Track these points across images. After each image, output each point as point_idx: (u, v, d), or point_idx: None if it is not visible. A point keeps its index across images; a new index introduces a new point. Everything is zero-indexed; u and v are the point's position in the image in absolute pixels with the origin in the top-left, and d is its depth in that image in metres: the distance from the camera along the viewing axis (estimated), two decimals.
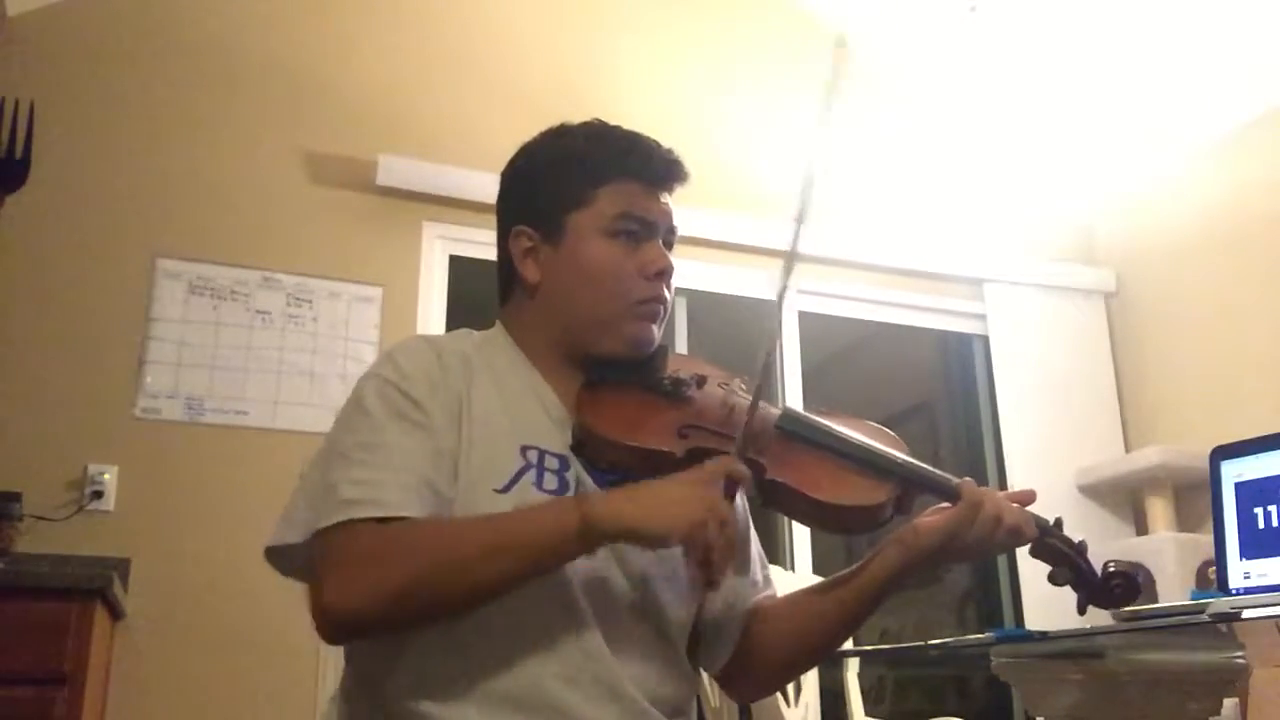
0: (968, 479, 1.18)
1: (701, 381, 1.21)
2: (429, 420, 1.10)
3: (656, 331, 1.22)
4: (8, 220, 2.80)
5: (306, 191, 3.20)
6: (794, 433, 1.19)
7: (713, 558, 1.00)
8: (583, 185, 1.21)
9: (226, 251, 3.06)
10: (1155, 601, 3.10)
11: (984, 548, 1.16)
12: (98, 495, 2.76)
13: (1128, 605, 1.20)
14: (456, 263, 3.32)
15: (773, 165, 3.79)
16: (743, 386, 1.23)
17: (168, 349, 2.94)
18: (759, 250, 3.69)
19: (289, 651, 2.69)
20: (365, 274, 3.18)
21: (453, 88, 3.45)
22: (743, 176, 3.68)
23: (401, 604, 1.00)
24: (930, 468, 1.20)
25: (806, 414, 1.22)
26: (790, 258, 1.18)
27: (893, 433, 1.26)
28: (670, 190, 1.25)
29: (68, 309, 2.88)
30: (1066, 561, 1.19)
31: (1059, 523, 1.21)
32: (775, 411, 1.20)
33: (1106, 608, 1.20)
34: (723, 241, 3.59)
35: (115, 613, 2.56)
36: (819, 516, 1.17)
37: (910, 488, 1.18)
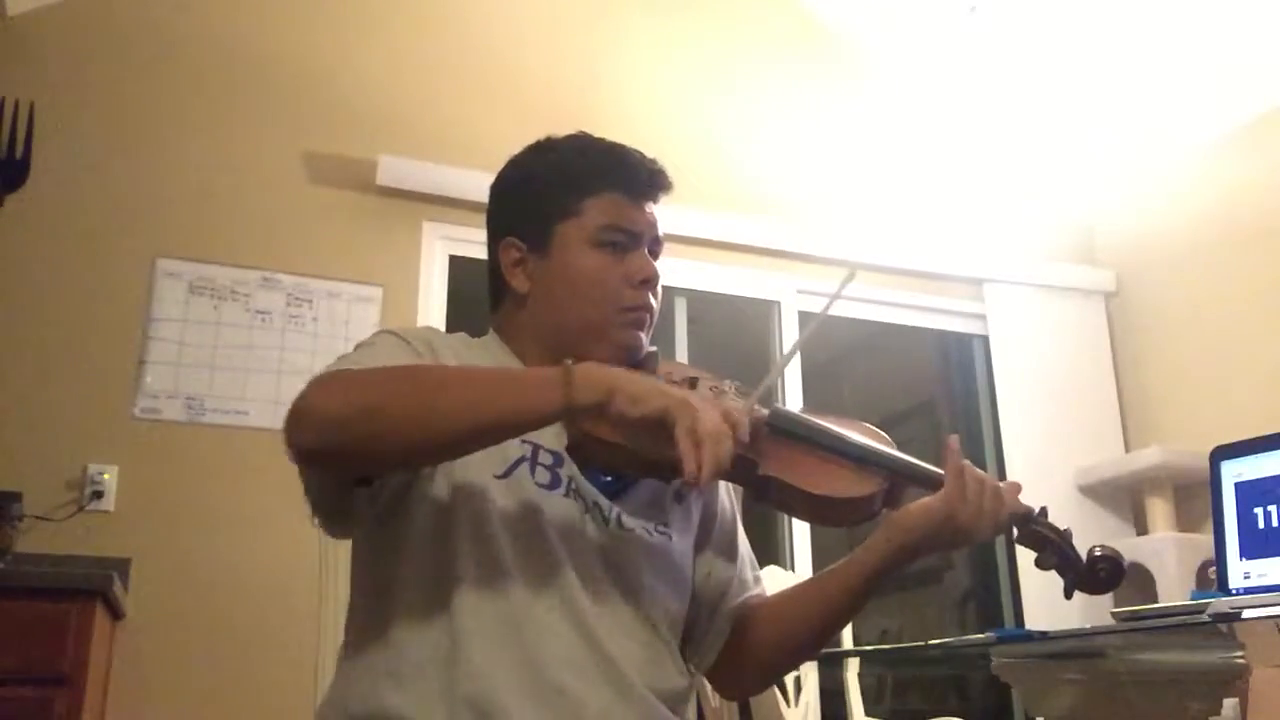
0: (950, 450, 1.20)
1: (693, 383, 1.24)
2: (422, 359, 1.16)
3: (644, 338, 1.25)
4: (8, 220, 2.81)
5: (306, 191, 3.20)
6: (785, 430, 1.21)
7: (701, 442, 0.97)
8: (569, 197, 1.24)
9: (226, 251, 3.06)
10: (1155, 601, 3.11)
11: (975, 522, 1.17)
12: (98, 495, 2.76)
13: (1113, 589, 1.22)
14: (456, 263, 3.32)
15: (772, 165, 3.79)
16: (739, 388, 1.24)
17: (168, 349, 2.94)
18: (758, 250, 3.69)
19: (289, 651, 2.68)
20: (365, 274, 3.18)
21: (453, 88, 3.45)
22: (743, 177, 3.68)
23: (376, 410, 1.00)
24: (918, 461, 1.23)
25: (795, 411, 1.25)
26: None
27: (883, 433, 1.28)
28: (655, 200, 1.28)
29: (68, 309, 2.88)
30: (1052, 546, 1.22)
31: (1044, 511, 1.24)
32: (766, 411, 1.21)
33: (1093, 592, 1.22)
34: (722, 241, 3.59)
35: (115, 613, 2.56)
36: (811, 509, 1.19)
37: (899, 480, 1.21)
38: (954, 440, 1.20)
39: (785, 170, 3.81)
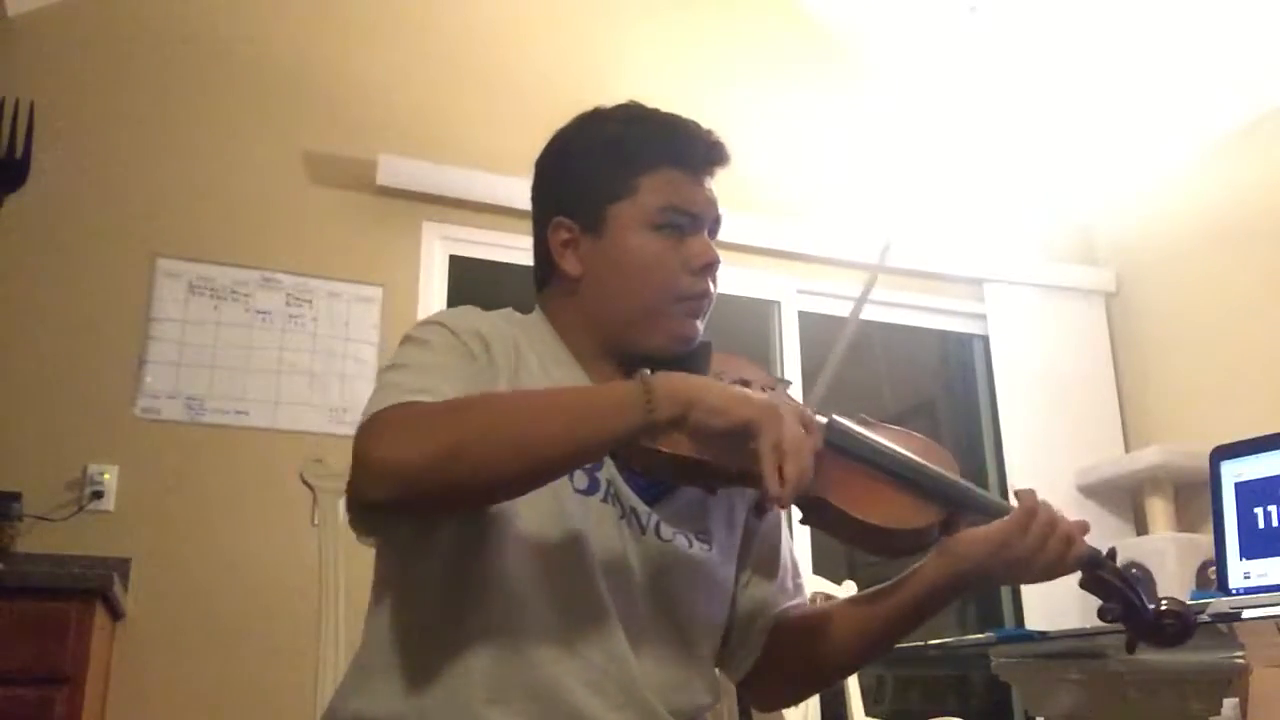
0: (1026, 489, 1.12)
1: (744, 385, 1.14)
2: (477, 362, 1.09)
3: (700, 327, 1.18)
4: (8, 220, 2.81)
5: (306, 191, 3.20)
6: (840, 446, 1.11)
7: (786, 463, 0.93)
8: (624, 175, 1.17)
9: (226, 251, 3.06)
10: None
11: (1036, 560, 1.08)
12: (98, 495, 2.75)
13: (1178, 646, 1.12)
14: (456, 263, 3.31)
15: (772, 165, 3.79)
16: (788, 393, 1.17)
17: (168, 349, 2.94)
18: (758, 250, 3.69)
19: (289, 651, 2.68)
20: (365, 274, 3.18)
21: (453, 88, 3.45)
22: (742, 177, 3.65)
23: (453, 457, 0.94)
24: (979, 489, 1.15)
25: (854, 426, 1.15)
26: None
27: (942, 447, 1.20)
28: (713, 175, 1.20)
29: (68, 309, 2.88)
30: (1117, 596, 1.12)
31: (1113, 553, 1.15)
32: (821, 421, 1.10)
33: (1157, 647, 1.14)
34: (722, 241, 3.56)
35: (115, 613, 2.56)
36: (861, 537, 1.10)
37: (959, 509, 1.13)
38: (1028, 488, 1.12)
39: (785, 170, 3.81)
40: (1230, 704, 2.26)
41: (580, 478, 1.09)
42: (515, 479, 0.98)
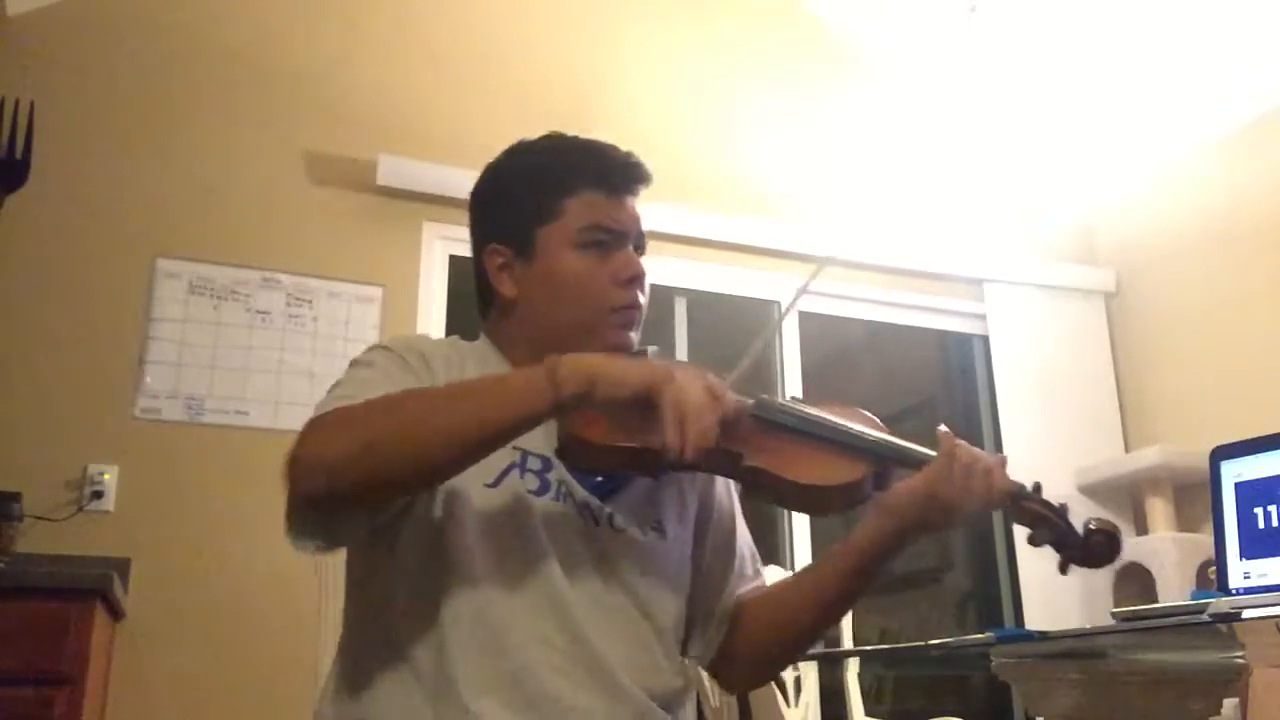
0: (943, 430, 1.19)
1: None
2: (415, 374, 1.16)
3: (634, 337, 1.25)
4: (8, 220, 2.80)
5: (306, 191, 3.20)
6: (769, 420, 1.20)
7: (686, 420, 1.01)
8: (549, 199, 1.23)
9: (226, 251, 3.06)
10: (1155, 601, 3.11)
11: (965, 502, 1.15)
12: (98, 495, 2.76)
13: (1109, 562, 1.20)
14: (456, 262, 3.32)
15: (772, 165, 3.79)
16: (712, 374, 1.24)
17: (168, 349, 2.94)
18: (758, 250, 3.69)
19: (289, 651, 2.68)
20: (365, 274, 3.18)
21: (453, 88, 3.45)
22: (743, 177, 3.68)
23: (370, 446, 1.00)
24: (905, 442, 1.22)
25: (780, 400, 1.24)
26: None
27: (871, 414, 1.27)
28: (634, 193, 1.26)
29: (68, 309, 2.88)
30: (1044, 522, 1.20)
31: (1038, 487, 1.23)
32: (750, 401, 1.21)
33: (1088, 566, 1.20)
34: (722, 241, 3.59)
35: (115, 613, 2.56)
36: (800, 499, 1.18)
37: (887, 463, 1.20)
38: (943, 428, 1.19)
39: (785, 170, 3.81)
40: (1230, 704, 2.26)
41: (531, 479, 1.15)
42: (435, 462, 1.03)
